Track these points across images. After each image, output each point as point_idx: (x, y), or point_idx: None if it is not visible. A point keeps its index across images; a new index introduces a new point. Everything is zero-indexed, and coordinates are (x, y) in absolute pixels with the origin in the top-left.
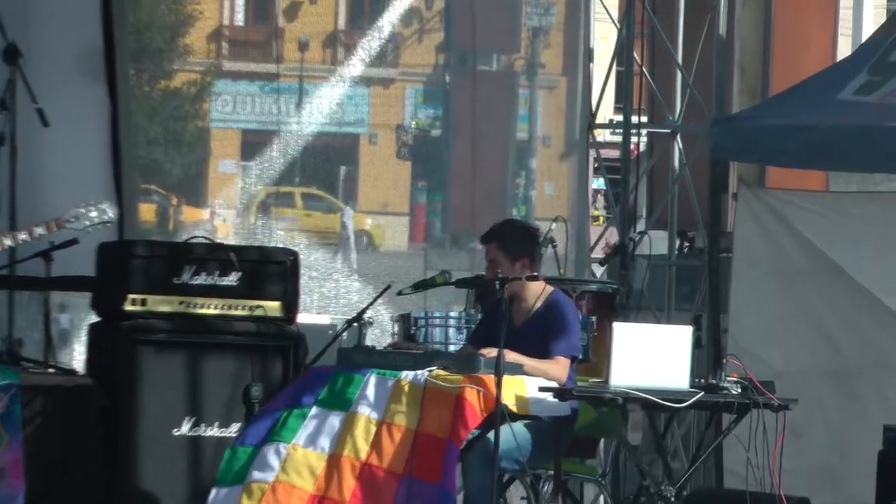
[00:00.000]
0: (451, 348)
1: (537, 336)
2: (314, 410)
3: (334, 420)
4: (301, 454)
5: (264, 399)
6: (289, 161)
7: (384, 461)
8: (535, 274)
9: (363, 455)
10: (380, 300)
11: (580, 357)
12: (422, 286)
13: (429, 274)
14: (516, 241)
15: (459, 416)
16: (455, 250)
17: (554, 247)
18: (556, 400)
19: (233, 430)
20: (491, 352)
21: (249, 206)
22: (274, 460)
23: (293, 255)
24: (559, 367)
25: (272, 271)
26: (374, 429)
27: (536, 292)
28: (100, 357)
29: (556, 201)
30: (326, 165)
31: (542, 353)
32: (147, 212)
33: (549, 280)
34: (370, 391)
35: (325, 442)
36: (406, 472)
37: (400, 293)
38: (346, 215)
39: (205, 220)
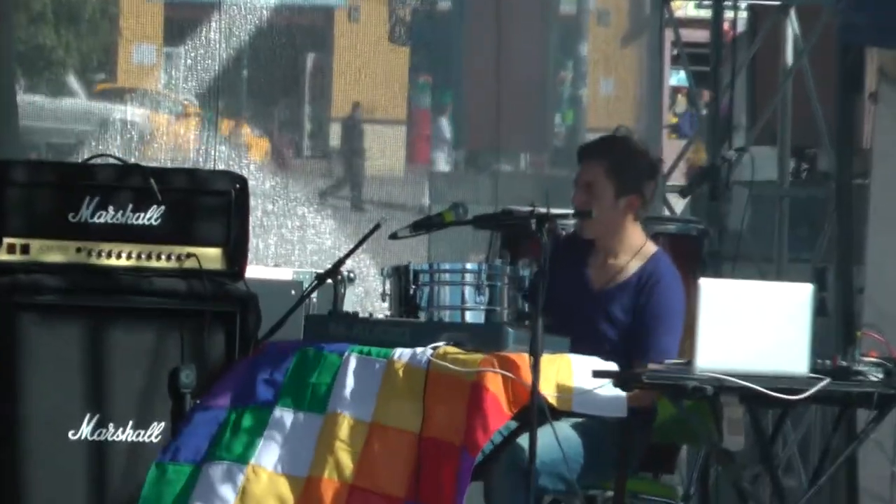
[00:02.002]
0: (468, 316)
1: (624, 314)
2: (278, 412)
3: (307, 426)
4: (266, 480)
5: (199, 389)
6: (233, 47)
7: (378, 482)
8: (589, 211)
9: (349, 474)
10: (365, 246)
11: None
12: (425, 226)
13: (435, 209)
14: (632, 168)
15: (477, 414)
16: (472, 174)
17: None
18: (612, 393)
19: (153, 432)
20: None
21: None
22: (227, 490)
23: (240, 182)
24: None
25: (210, 204)
26: (361, 436)
27: (633, 247)
28: None
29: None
30: (288, 52)
31: (627, 340)
32: (183, 128)
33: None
34: (350, 379)
35: (297, 459)
36: (410, 497)
37: (393, 236)
38: (443, 126)
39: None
